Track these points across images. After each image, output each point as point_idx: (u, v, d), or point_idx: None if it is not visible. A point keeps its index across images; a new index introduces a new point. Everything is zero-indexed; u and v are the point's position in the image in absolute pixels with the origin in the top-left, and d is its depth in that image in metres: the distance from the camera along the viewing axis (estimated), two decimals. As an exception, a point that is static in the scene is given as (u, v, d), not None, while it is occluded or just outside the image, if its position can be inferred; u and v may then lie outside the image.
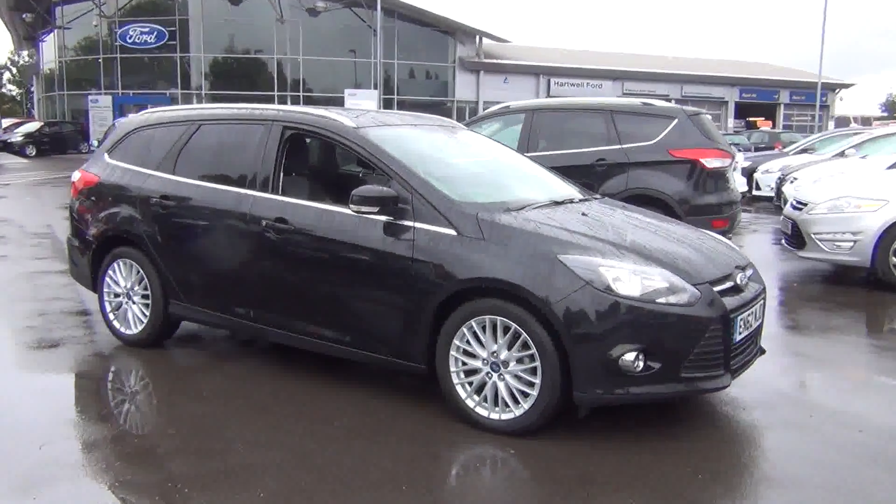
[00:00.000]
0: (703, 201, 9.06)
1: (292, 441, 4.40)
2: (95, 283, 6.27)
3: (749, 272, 4.93)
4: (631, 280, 4.30)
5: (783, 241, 9.81)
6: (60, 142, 40.66)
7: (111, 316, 6.16)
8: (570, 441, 4.44)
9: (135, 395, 5.27)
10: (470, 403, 4.60)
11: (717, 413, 4.89)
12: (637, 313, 4.21)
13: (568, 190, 5.75)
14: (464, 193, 4.92)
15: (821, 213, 8.92)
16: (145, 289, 5.92)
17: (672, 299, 4.28)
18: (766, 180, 17.93)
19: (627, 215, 5.33)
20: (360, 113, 5.77)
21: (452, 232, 4.63)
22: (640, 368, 4.23)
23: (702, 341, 4.31)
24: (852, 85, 59.41)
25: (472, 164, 5.93)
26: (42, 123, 43.12)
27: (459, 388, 4.63)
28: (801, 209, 9.20)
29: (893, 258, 8.43)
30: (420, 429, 4.60)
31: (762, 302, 4.92)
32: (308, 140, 5.97)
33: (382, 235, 4.80)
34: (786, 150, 22.36)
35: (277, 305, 5.29)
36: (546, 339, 4.30)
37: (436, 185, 4.85)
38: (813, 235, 8.88)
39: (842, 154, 15.65)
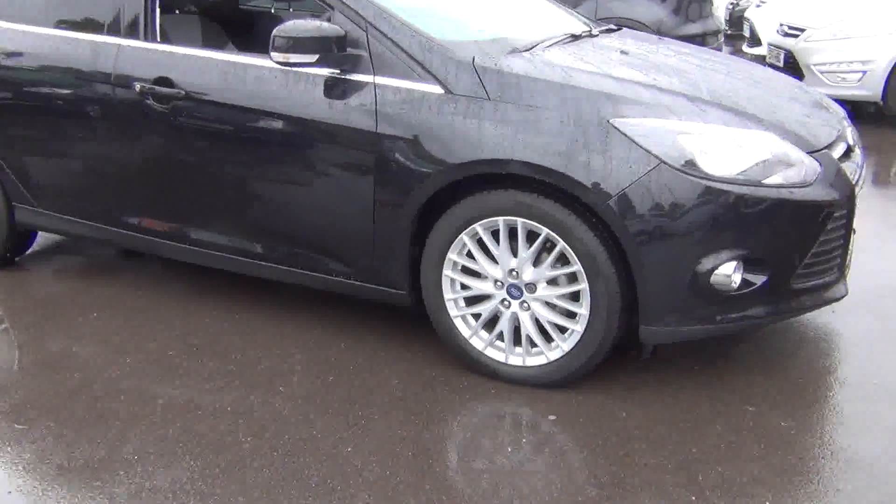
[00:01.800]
0: (687, 31, 7.53)
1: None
2: None
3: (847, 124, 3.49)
4: (725, 151, 2.80)
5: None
6: None
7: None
8: (623, 389, 3.07)
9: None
10: (477, 344, 3.13)
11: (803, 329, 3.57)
12: (737, 202, 2.74)
13: (569, 18, 4.10)
14: (446, 28, 3.24)
15: (822, 40, 7.53)
16: (-25, 190, 4.08)
17: (788, 176, 2.82)
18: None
19: (679, 51, 3.76)
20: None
21: (437, 89, 2.98)
22: (738, 285, 2.82)
23: (822, 236, 2.90)
24: None
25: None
26: None
27: (460, 323, 3.15)
28: (796, 36, 7.77)
29: (910, 90, 7.20)
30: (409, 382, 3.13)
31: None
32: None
33: (325, 99, 3.12)
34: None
35: (173, 210, 3.60)
36: (597, 249, 2.81)
37: (403, 16, 3.14)
38: (813, 67, 7.53)
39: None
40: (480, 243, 3.02)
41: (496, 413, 2.97)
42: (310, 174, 3.21)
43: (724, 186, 2.73)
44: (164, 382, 3.15)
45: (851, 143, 3.28)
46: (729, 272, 2.79)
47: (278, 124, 3.22)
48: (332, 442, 2.77)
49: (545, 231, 2.87)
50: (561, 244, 2.86)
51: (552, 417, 2.91)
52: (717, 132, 2.83)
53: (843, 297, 3.08)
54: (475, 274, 3.08)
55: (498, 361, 3.12)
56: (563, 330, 3.00)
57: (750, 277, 2.84)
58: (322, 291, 3.48)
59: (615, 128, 2.77)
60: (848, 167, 3.06)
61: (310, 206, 3.26)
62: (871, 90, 7.29)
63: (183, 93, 3.35)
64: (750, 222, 2.78)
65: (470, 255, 3.04)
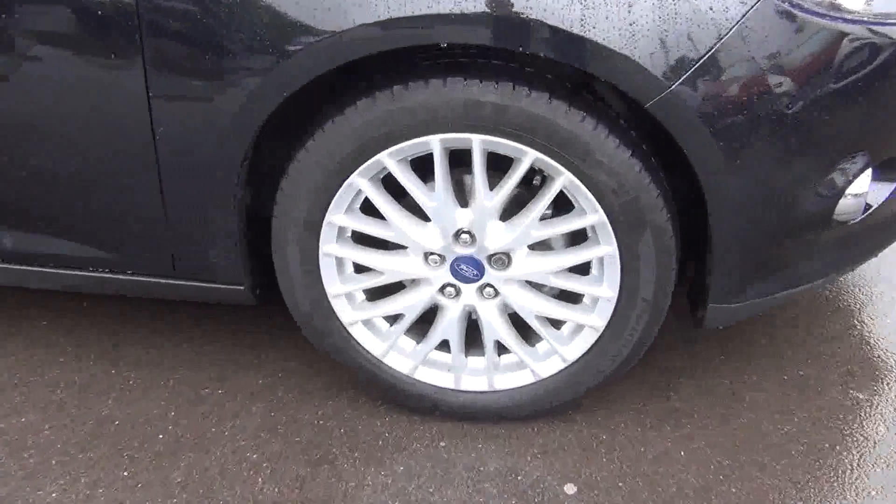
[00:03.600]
0: None
1: None
2: None
3: None
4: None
5: None
6: None
7: None
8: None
9: None
10: (399, 364, 1.70)
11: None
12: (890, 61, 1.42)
13: None
14: None
15: None
16: None
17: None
18: None
19: None
20: None
21: None
22: (860, 212, 1.57)
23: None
24: None
25: None
26: None
27: (362, 333, 1.69)
28: None
29: None
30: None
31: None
32: None
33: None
34: None
35: None
36: (639, 180, 1.42)
37: None
38: None
39: None
40: (392, 187, 1.54)
41: (467, 488, 1.61)
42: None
43: (880, 35, 1.39)
44: None
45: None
46: (863, 190, 1.53)
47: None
48: None
49: (531, 156, 1.43)
50: (565, 178, 1.44)
51: (571, 490, 1.60)
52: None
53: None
54: (383, 244, 1.61)
55: (439, 388, 1.72)
56: (556, 325, 1.65)
57: (876, 192, 1.60)
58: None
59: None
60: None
61: (33, 150, 1.57)
62: None
63: None
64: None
65: (371, 209, 1.55)
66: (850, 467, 1.63)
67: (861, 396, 1.80)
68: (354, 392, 1.85)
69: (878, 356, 1.93)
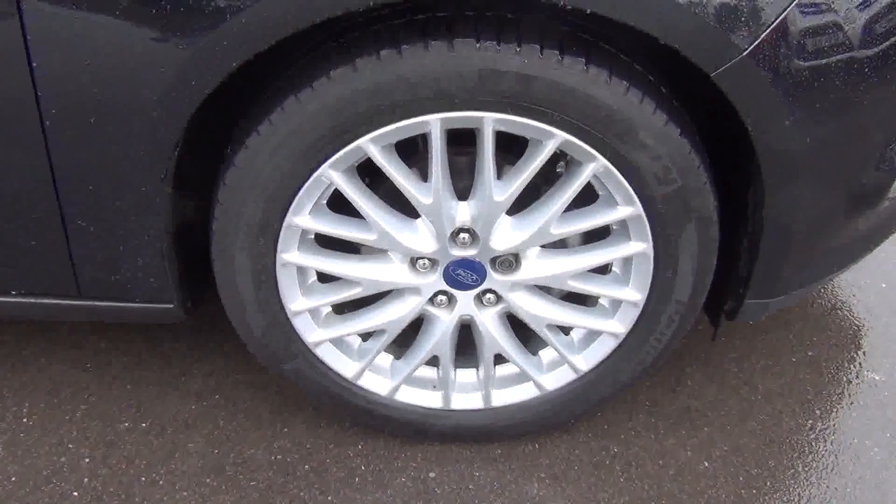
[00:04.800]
0: None
1: None
2: None
3: None
4: None
5: None
6: None
7: None
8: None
9: None
10: (376, 385, 1.39)
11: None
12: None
13: None
14: None
15: None
16: None
17: None
18: None
19: None
20: None
21: None
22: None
23: None
24: None
25: None
26: None
27: (329, 353, 1.36)
28: None
29: None
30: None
31: None
32: None
33: None
34: None
35: None
36: (687, 161, 1.15)
37: None
38: None
39: None
40: (374, 179, 1.21)
41: None
42: None
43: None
44: None
45: None
46: (918, 161, 1.32)
47: None
48: None
49: (557, 139, 1.12)
50: (597, 164, 1.14)
51: None
52: None
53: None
54: (351, 248, 1.28)
55: (426, 409, 1.43)
56: (564, 331, 1.38)
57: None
58: None
59: None
60: None
61: None
62: None
63: None
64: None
65: (340, 203, 1.21)
66: (887, 465, 1.47)
67: (877, 378, 1.65)
68: (312, 412, 1.53)
69: (886, 324, 1.78)
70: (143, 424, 1.50)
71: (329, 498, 1.38)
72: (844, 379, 1.65)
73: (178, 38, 1.02)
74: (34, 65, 1.06)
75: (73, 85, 1.07)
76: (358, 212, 1.20)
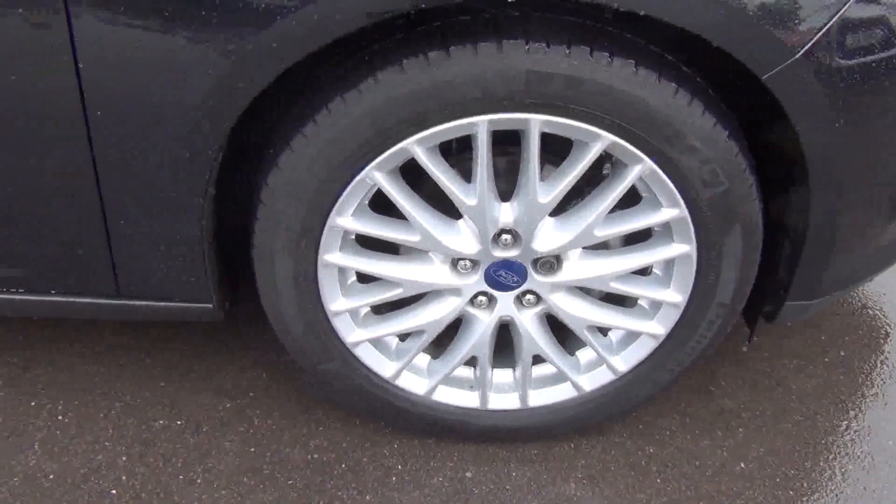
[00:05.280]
0: None
1: None
2: None
3: None
4: None
5: None
6: None
7: None
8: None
9: None
10: (413, 385, 1.39)
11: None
12: None
13: None
14: None
15: None
16: None
17: None
18: None
19: None
20: None
21: None
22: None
23: None
24: None
25: None
26: None
27: (368, 353, 1.36)
28: None
29: None
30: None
31: None
32: None
33: None
34: None
35: None
36: (736, 164, 1.14)
37: None
38: None
39: None
40: (397, 187, 1.20)
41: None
42: None
43: None
44: None
45: None
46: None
47: None
48: None
49: (604, 141, 1.11)
50: (643, 166, 1.14)
51: None
52: None
53: None
54: (390, 248, 1.28)
55: (464, 409, 1.43)
56: (602, 332, 1.38)
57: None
58: None
59: None
60: None
61: None
62: None
63: None
64: None
65: (385, 206, 1.21)
66: (922, 467, 1.46)
67: (912, 378, 1.64)
68: (346, 411, 1.53)
69: (913, 326, 1.77)
70: (179, 423, 1.50)
71: (367, 497, 1.38)
72: (878, 379, 1.64)
73: (225, 40, 1.02)
74: (80, 66, 1.05)
75: (118, 86, 1.06)
76: (399, 212, 1.20)
